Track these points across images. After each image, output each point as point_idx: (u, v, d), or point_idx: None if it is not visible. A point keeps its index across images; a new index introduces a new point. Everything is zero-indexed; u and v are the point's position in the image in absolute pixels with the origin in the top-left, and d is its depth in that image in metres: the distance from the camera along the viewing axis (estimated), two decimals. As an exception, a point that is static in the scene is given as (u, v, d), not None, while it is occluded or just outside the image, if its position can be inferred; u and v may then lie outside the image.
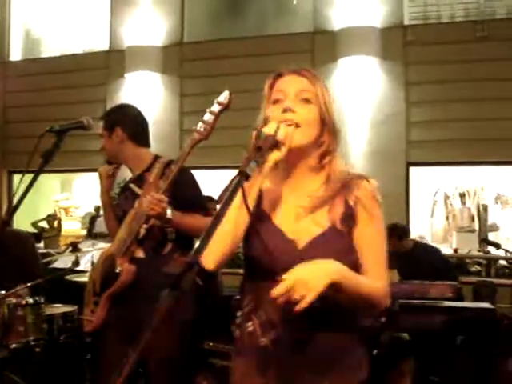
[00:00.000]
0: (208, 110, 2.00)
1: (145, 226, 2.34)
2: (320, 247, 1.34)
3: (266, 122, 1.33)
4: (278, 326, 1.36)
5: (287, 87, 1.40)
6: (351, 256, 1.38)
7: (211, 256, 1.32)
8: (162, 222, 2.27)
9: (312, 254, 1.30)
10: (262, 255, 1.35)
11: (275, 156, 1.27)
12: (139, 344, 0.95)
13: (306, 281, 1.18)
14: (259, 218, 1.39)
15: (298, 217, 1.40)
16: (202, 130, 2.08)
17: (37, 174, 2.05)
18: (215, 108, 1.99)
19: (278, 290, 1.19)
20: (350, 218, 1.39)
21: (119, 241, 2.48)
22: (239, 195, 1.18)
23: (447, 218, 7.47)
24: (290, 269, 1.29)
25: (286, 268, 1.29)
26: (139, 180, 2.52)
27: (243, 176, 1.13)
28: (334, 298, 1.29)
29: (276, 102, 1.40)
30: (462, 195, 7.29)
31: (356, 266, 1.38)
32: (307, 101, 1.39)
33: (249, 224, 1.35)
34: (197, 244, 1.03)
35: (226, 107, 1.97)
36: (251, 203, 1.29)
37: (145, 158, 2.59)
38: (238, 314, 1.46)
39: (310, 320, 1.32)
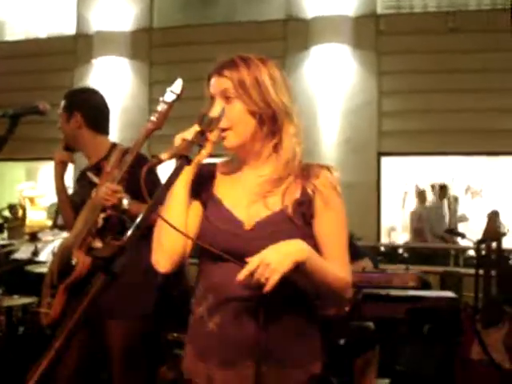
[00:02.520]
0: (161, 99, 1.96)
1: (102, 215, 2.28)
2: (267, 228, 1.33)
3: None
4: (224, 308, 1.35)
5: (214, 90, 1.39)
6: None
7: (165, 258, 1.37)
8: (118, 212, 2.21)
9: (259, 235, 1.32)
10: (209, 237, 1.35)
11: (215, 137, 1.30)
12: (63, 330, 0.91)
13: (269, 262, 1.19)
14: (211, 202, 1.41)
15: (251, 201, 1.39)
16: (154, 119, 2.04)
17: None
18: (168, 97, 1.95)
19: (242, 274, 1.20)
20: (305, 205, 1.38)
21: (76, 231, 2.41)
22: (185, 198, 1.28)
23: (418, 209, 7.53)
24: (235, 250, 1.31)
25: (231, 249, 1.31)
26: (96, 168, 2.45)
27: (184, 160, 1.09)
28: (295, 282, 1.29)
29: (211, 103, 1.39)
30: (433, 186, 7.35)
31: None
32: (228, 99, 1.36)
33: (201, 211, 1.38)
34: (130, 230, 0.99)
35: (178, 97, 1.93)
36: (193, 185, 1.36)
37: (102, 145, 2.53)
38: (192, 300, 1.45)
39: (257, 302, 1.29)
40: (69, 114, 2.51)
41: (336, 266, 1.36)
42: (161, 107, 1.99)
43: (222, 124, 1.32)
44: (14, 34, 8.13)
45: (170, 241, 1.35)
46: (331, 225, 1.39)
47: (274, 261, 1.19)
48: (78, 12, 7.65)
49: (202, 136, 1.17)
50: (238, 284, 1.23)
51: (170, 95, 1.95)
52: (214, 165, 1.46)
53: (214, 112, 1.30)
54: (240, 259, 1.27)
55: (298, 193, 1.38)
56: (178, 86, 1.92)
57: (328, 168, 1.43)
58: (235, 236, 1.35)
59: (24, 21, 8.12)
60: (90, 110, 2.51)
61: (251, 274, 1.19)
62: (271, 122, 1.38)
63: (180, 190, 1.35)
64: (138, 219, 1.07)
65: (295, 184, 1.39)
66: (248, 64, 1.38)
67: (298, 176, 1.39)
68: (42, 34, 8.02)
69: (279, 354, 1.35)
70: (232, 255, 1.28)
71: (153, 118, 2.04)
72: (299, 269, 1.23)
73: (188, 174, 1.34)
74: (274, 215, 1.36)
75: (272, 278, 1.18)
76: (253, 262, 1.20)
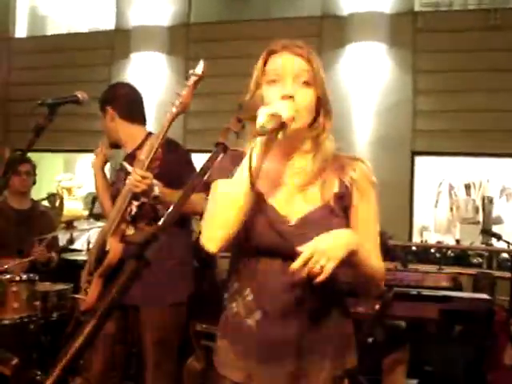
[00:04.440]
0: (184, 82, 1.98)
1: (135, 203, 2.32)
2: (312, 224, 1.32)
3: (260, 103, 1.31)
4: (265, 306, 1.33)
5: (283, 69, 1.35)
6: None
7: (214, 241, 1.29)
8: (149, 198, 2.25)
9: (303, 231, 1.29)
10: (251, 231, 1.31)
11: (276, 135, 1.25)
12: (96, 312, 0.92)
13: (324, 249, 1.16)
14: None
15: (291, 194, 1.38)
16: (178, 103, 2.06)
17: (28, 147, 2.03)
18: (191, 80, 1.97)
19: (296, 264, 1.16)
20: (344, 198, 1.38)
21: (110, 220, 2.47)
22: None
23: (451, 209, 7.40)
24: (280, 244, 1.29)
25: (277, 245, 1.29)
26: (131, 157, 2.50)
27: (221, 147, 1.10)
28: (336, 275, 1.27)
29: (272, 82, 1.36)
30: (468, 186, 7.20)
31: None
32: (306, 84, 1.35)
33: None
34: (165, 215, 1.00)
35: (200, 77, 1.95)
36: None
37: (137, 135, 2.58)
38: (225, 295, 1.45)
39: (299, 299, 1.30)
40: (103, 111, 2.59)
41: (373, 257, 1.36)
42: (184, 90, 2.02)
43: (294, 106, 1.28)
44: (55, 29, 8.31)
45: (229, 217, 1.27)
46: (367, 216, 1.39)
47: (329, 248, 1.17)
48: (117, 7, 7.77)
49: (238, 123, 1.17)
50: (287, 277, 1.22)
51: (191, 77, 1.98)
52: (242, 156, 1.41)
53: (288, 90, 1.29)
54: (286, 255, 1.27)
55: (336, 186, 1.38)
56: (199, 67, 1.95)
57: (362, 160, 1.43)
58: (281, 232, 1.32)
59: (65, 16, 8.30)
60: (120, 101, 2.57)
61: (304, 264, 1.16)
62: (324, 115, 1.39)
63: (256, 163, 1.27)
64: (172, 206, 1.05)
65: (332, 177, 1.39)
66: (312, 51, 1.39)
67: (333, 168, 1.39)
68: (82, 28, 8.18)
69: (319, 349, 1.35)
70: (278, 251, 1.29)
71: (177, 102, 2.06)
72: (349, 258, 1.21)
73: (264, 146, 1.27)
74: (317, 210, 1.34)
75: (328, 266, 1.15)
76: (307, 249, 1.17)
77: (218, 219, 1.28)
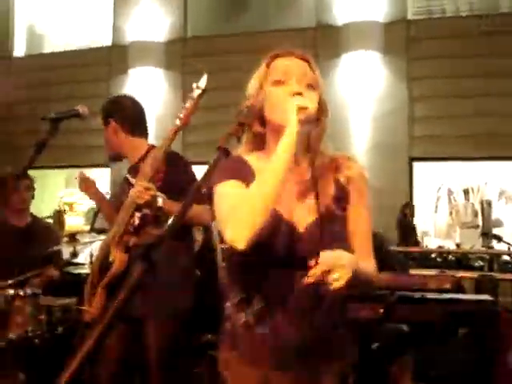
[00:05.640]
0: (188, 95, 2.01)
1: (138, 214, 2.34)
2: (319, 230, 1.30)
3: (265, 102, 1.34)
4: (277, 313, 1.33)
5: (290, 70, 1.37)
6: (345, 242, 1.38)
7: (244, 239, 1.24)
8: (152, 210, 2.26)
9: (313, 237, 1.29)
10: (258, 239, 1.26)
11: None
12: (107, 315, 0.93)
13: (344, 263, 1.20)
14: None
15: (293, 201, 1.38)
16: (182, 116, 2.09)
17: (30, 163, 2.05)
18: (195, 93, 2.00)
19: (313, 273, 1.19)
20: (342, 198, 1.39)
21: (113, 231, 2.48)
22: None
23: (451, 214, 7.43)
24: (290, 253, 1.30)
25: (288, 252, 1.30)
26: (134, 170, 2.51)
27: (223, 152, 1.11)
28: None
29: (278, 83, 1.37)
30: (466, 191, 7.24)
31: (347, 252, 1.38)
32: (311, 87, 1.37)
33: None
34: (170, 220, 1.02)
35: (203, 91, 1.98)
36: None
37: (140, 147, 2.59)
38: (227, 305, 1.42)
39: (312, 307, 1.31)
40: (106, 123, 2.60)
41: (364, 256, 1.38)
42: (188, 103, 2.05)
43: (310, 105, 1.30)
44: (53, 46, 8.39)
45: (256, 214, 1.24)
46: (364, 214, 1.41)
47: (347, 262, 1.21)
48: (114, 23, 7.85)
49: (240, 127, 1.18)
50: (297, 284, 1.24)
51: (195, 91, 2.01)
52: (244, 159, 1.41)
53: (294, 88, 1.31)
54: (295, 262, 1.29)
55: (333, 188, 1.39)
56: (203, 81, 1.98)
57: (352, 158, 1.44)
58: (291, 239, 1.32)
59: (62, 33, 8.37)
60: (122, 114, 2.58)
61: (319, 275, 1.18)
62: (323, 120, 1.39)
63: (287, 158, 1.26)
64: (176, 212, 1.05)
65: (329, 179, 1.40)
66: (314, 60, 1.42)
67: (329, 170, 1.40)
68: (80, 45, 8.25)
69: (328, 351, 1.36)
70: (289, 258, 1.30)
71: (180, 115, 2.09)
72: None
73: (294, 140, 1.26)
74: (322, 216, 1.33)
75: (343, 279, 1.19)
76: (324, 262, 1.19)
77: (247, 216, 1.25)
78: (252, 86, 1.41)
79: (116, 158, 2.69)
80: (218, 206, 1.34)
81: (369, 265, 1.40)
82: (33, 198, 3.70)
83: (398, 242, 6.32)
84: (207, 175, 1.10)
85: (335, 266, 1.18)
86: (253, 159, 1.41)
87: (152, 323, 2.46)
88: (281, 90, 1.36)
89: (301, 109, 1.25)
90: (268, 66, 1.41)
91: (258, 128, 1.39)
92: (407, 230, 6.49)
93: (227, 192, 1.33)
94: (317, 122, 1.37)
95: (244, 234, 1.24)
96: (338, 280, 1.18)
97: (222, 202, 1.33)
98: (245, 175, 1.35)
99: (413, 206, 6.76)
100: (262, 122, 1.38)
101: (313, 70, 1.40)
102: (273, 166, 1.26)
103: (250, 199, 1.26)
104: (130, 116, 2.59)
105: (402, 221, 6.46)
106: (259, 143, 1.42)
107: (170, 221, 1.05)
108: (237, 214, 1.26)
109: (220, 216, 1.32)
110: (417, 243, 6.65)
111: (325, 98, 1.41)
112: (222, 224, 1.29)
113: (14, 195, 3.54)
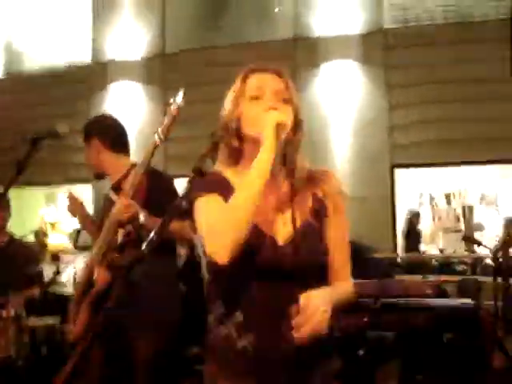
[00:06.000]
0: (165, 110, 2.04)
1: (121, 231, 2.34)
2: (299, 243, 1.32)
3: (239, 118, 1.37)
4: (259, 326, 1.33)
5: (265, 85, 1.39)
6: (323, 255, 1.40)
7: (225, 252, 1.26)
8: (134, 227, 2.27)
9: (292, 250, 1.30)
10: (239, 253, 1.28)
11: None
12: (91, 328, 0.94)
13: (325, 308, 1.25)
14: None
15: (270, 214, 1.39)
16: (160, 131, 2.11)
17: (10, 184, 2.04)
18: (172, 108, 2.03)
19: (300, 324, 1.22)
20: (320, 211, 1.41)
21: (97, 249, 2.48)
22: None
23: (433, 219, 7.51)
24: (270, 265, 1.32)
25: (269, 265, 1.32)
26: (116, 188, 2.52)
27: (198, 173, 1.13)
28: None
29: (254, 98, 1.40)
30: (447, 196, 7.33)
31: (325, 265, 1.41)
32: (285, 101, 1.39)
33: None
34: (148, 239, 1.03)
35: (180, 106, 2.00)
36: None
37: (122, 165, 2.61)
38: (209, 319, 1.43)
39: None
40: (87, 142, 2.61)
41: (343, 272, 1.43)
42: (166, 118, 2.07)
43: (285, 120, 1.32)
44: (31, 65, 8.34)
45: (238, 227, 1.26)
46: (339, 229, 1.43)
47: (324, 306, 1.25)
48: (92, 41, 7.85)
49: (214, 148, 1.20)
50: (276, 297, 1.28)
51: (172, 106, 2.03)
52: (222, 174, 1.43)
53: (270, 103, 1.34)
54: (276, 275, 1.31)
55: (310, 201, 1.41)
56: (180, 95, 2.00)
57: (331, 172, 1.47)
58: (270, 252, 1.33)
59: (40, 51, 8.33)
60: (106, 132, 2.60)
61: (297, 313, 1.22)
62: (298, 134, 1.42)
63: (266, 170, 1.29)
64: (155, 229, 1.08)
65: (307, 192, 1.42)
66: (288, 75, 1.44)
67: (306, 183, 1.42)
68: (59, 63, 8.22)
69: (311, 359, 1.36)
70: (269, 271, 1.31)
71: (159, 130, 2.11)
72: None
73: (272, 153, 1.30)
74: (301, 229, 1.35)
75: (325, 323, 1.24)
76: (311, 309, 1.22)
77: (228, 229, 1.26)
78: (228, 101, 1.44)
79: (100, 176, 2.70)
80: (199, 220, 1.35)
81: (345, 281, 1.44)
82: (9, 216, 3.68)
83: (406, 251, 6.51)
84: (184, 197, 1.12)
85: (316, 311, 1.22)
86: (231, 174, 1.43)
87: (138, 336, 2.46)
88: (256, 105, 1.38)
89: (279, 124, 1.28)
90: (243, 81, 1.43)
91: (235, 143, 1.41)
92: (415, 239, 6.74)
93: (207, 206, 1.34)
94: (292, 135, 1.39)
95: (225, 248, 1.25)
96: (322, 324, 1.23)
97: (202, 216, 1.35)
98: (224, 189, 1.37)
99: (419, 214, 6.99)
100: (239, 136, 1.40)
101: (287, 85, 1.42)
102: (251, 180, 1.29)
103: (229, 213, 1.28)
104: (111, 134, 2.61)
105: (409, 230, 6.71)
106: (236, 158, 1.44)
107: (148, 239, 1.07)
108: (217, 227, 1.28)
109: (201, 230, 1.33)
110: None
111: (300, 112, 1.44)
112: (204, 237, 1.31)
113: None
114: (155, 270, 2.40)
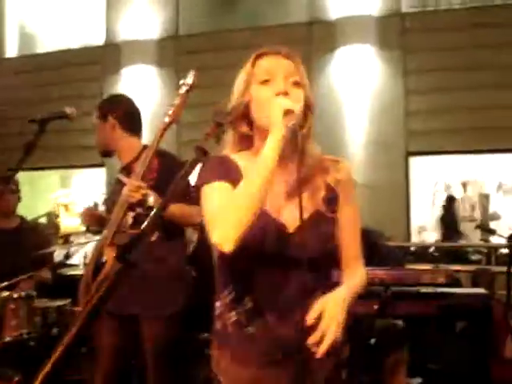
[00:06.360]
0: (176, 92, 2.01)
1: (131, 213, 2.33)
2: (309, 231, 1.31)
3: (251, 102, 1.34)
4: (268, 312, 1.33)
5: (275, 69, 1.36)
6: (334, 242, 1.39)
7: (230, 240, 1.23)
8: (144, 209, 2.26)
9: (301, 239, 1.28)
10: (248, 240, 1.26)
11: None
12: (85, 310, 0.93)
13: (335, 316, 1.24)
14: None
15: (282, 202, 1.37)
16: (170, 113, 2.08)
17: (19, 165, 2.03)
18: (182, 90, 2.00)
19: (316, 337, 1.22)
20: (332, 200, 1.39)
21: (107, 231, 2.48)
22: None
23: (449, 208, 7.41)
24: (280, 252, 1.31)
25: (278, 252, 1.30)
26: (127, 169, 2.51)
27: (201, 152, 1.11)
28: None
29: (264, 82, 1.37)
30: (464, 184, 7.24)
31: (335, 252, 1.40)
32: (297, 84, 1.36)
33: None
34: (147, 219, 1.01)
35: (191, 87, 1.97)
36: None
37: (134, 147, 2.60)
38: (217, 304, 1.42)
39: (303, 306, 1.30)
40: (103, 120, 2.59)
41: (354, 259, 1.42)
42: (176, 100, 2.04)
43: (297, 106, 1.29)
44: (45, 46, 8.37)
45: (243, 215, 1.23)
46: (351, 218, 1.42)
47: (339, 315, 1.24)
48: (106, 22, 7.83)
49: (219, 128, 1.18)
50: (286, 283, 1.28)
51: (182, 87, 2.00)
52: (231, 158, 1.41)
53: (283, 88, 1.31)
54: (285, 262, 1.30)
55: (323, 189, 1.39)
56: (190, 77, 1.97)
57: (343, 161, 1.44)
58: (280, 239, 1.32)
59: (55, 33, 8.36)
60: (122, 111, 2.59)
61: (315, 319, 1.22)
62: (310, 118, 1.39)
63: (273, 159, 1.25)
64: (155, 209, 1.07)
65: (318, 180, 1.40)
66: (299, 59, 1.40)
67: (318, 171, 1.40)
68: (73, 44, 8.23)
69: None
70: (278, 258, 1.30)
71: (169, 112, 2.08)
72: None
73: (279, 141, 1.26)
74: (312, 216, 1.35)
75: (338, 331, 1.22)
76: (327, 323, 1.22)
77: (233, 217, 1.24)
78: (237, 85, 1.41)
79: (107, 153, 2.69)
80: (206, 207, 1.34)
81: (357, 269, 1.43)
82: (19, 200, 3.70)
83: (442, 239, 6.44)
84: (185, 175, 1.10)
85: (332, 323, 1.22)
86: (240, 158, 1.41)
87: (144, 322, 2.46)
88: (266, 89, 1.35)
89: (287, 111, 1.24)
90: (253, 65, 1.40)
91: (245, 127, 1.39)
92: (452, 226, 6.68)
93: (214, 193, 1.33)
94: (304, 120, 1.36)
95: (231, 235, 1.23)
96: (338, 334, 1.22)
97: (209, 202, 1.33)
98: (232, 175, 1.35)
99: (454, 198, 6.88)
100: (249, 121, 1.38)
101: (298, 68, 1.39)
102: (259, 167, 1.26)
103: (236, 200, 1.26)
104: (128, 113, 2.61)
105: (445, 216, 6.64)
106: (246, 142, 1.42)
107: (147, 219, 1.05)
108: (224, 214, 1.26)
109: (207, 217, 1.31)
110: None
111: (311, 96, 1.40)
112: (209, 225, 1.28)
113: (0, 199, 3.53)
114: (160, 257, 2.40)
